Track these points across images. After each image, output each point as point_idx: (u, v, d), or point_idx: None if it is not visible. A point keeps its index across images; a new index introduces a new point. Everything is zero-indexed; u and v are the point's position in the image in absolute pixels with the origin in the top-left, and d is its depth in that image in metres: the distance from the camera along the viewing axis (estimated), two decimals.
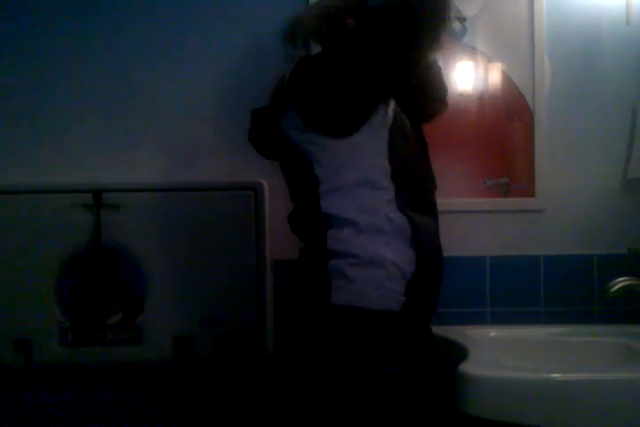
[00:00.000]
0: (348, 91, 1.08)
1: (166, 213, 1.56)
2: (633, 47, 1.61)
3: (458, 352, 1.33)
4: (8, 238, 1.55)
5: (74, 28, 1.61)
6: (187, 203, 1.56)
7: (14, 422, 1.62)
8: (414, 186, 1.18)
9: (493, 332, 1.52)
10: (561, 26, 1.61)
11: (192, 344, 1.56)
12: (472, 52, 1.61)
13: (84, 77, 1.61)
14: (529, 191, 1.62)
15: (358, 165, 1.14)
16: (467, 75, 1.61)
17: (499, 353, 1.36)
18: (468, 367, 1.19)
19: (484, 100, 1.61)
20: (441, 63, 1.26)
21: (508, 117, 1.62)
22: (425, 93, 1.21)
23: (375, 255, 1.12)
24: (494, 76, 1.62)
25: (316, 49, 1.32)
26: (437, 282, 1.20)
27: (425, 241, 1.16)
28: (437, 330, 1.23)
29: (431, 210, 1.22)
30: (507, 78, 1.61)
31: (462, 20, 1.60)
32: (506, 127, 1.62)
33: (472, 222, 1.62)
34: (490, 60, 1.61)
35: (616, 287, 1.43)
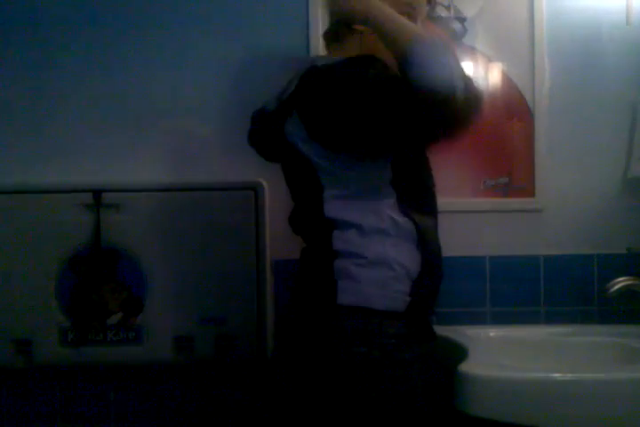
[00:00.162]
0: (356, 112, 1.05)
1: (166, 213, 1.56)
2: (633, 47, 1.61)
3: (458, 352, 1.33)
4: (8, 238, 1.55)
5: (73, 28, 1.61)
6: (187, 203, 1.56)
7: (14, 422, 1.62)
8: (416, 188, 1.19)
9: (493, 332, 1.52)
10: (561, 26, 1.61)
11: (192, 344, 1.56)
12: (472, 52, 1.61)
13: (85, 78, 1.61)
14: (529, 191, 1.62)
15: (361, 174, 1.14)
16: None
17: (499, 353, 1.36)
18: (468, 367, 1.19)
19: (483, 100, 1.60)
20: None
21: (507, 117, 1.62)
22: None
23: (382, 256, 1.12)
24: (494, 76, 1.62)
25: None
26: (439, 282, 1.21)
27: (430, 242, 1.17)
28: (437, 330, 1.23)
29: (432, 211, 1.22)
30: (507, 78, 1.61)
31: (462, 20, 1.60)
32: (506, 127, 1.62)
33: (472, 222, 1.62)
34: (490, 60, 1.61)
35: (616, 287, 1.44)
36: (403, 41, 1.03)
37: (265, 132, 1.28)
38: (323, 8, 1.53)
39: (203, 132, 1.62)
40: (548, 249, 1.61)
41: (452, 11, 1.60)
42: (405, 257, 1.13)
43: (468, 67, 1.60)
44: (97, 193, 1.55)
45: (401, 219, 1.14)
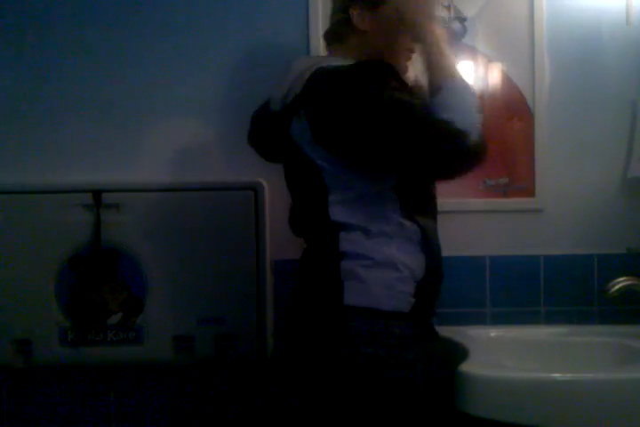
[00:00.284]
0: (364, 127, 1.06)
1: (166, 213, 1.56)
2: (633, 47, 1.61)
3: (458, 352, 1.33)
4: (8, 238, 1.55)
5: (73, 28, 1.61)
6: (187, 203, 1.56)
7: (15, 421, 1.62)
8: (419, 191, 1.19)
9: (493, 332, 1.52)
10: (561, 26, 1.61)
11: (192, 344, 1.56)
12: (472, 52, 1.61)
13: (85, 78, 1.61)
14: (529, 191, 1.62)
15: (365, 179, 1.14)
16: (467, 75, 1.60)
17: (499, 353, 1.36)
18: (468, 367, 1.19)
19: (483, 100, 1.60)
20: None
21: (508, 117, 1.62)
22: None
23: (388, 257, 1.13)
24: (494, 76, 1.62)
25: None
26: (440, 283, 1.22)
27: (432, 244, 1.18)
28: (438, 330, 1.23)
29: (433, 213, 1.23)
30: (507, 78, 1.61)
31: (462, 20, 1.60)
32: (506, 127, 1.62)
33: (472, 222, 1.62)
34: (490, 60, 1.61)
35: (616, 287, 1.44)
36: (448, 69, 1.10)
37: (268, 133, 1.28)
38: (323, 7, 1.53)
39: (203, 133, 1.62)
40: (548, 249, 1.61)
41: (452, 11, 1.60)
42: (410, 259, 1.14)
43: (468, 67, 1.61)
44: (97, 193, 1.55)
45: (406, 222, 1.15)
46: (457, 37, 1.60)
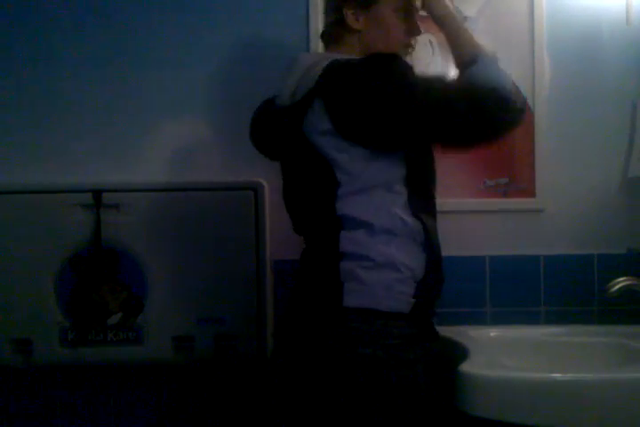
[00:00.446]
0: (388, 106, 1.07)
1: (166, 213, 1.56)
2: (633, 47, 1.61)
3: (458, 352, 1.33)
4: (8, 238, 1.55)
5: (74, 28, 1.61)
6: (187, 203, 1.56)
7: (14, 421, 1.62)
8: (424, 189, 1.20)
9: (493, 332, 1.52)
10: (561, 26, 1.61)
11: (192, 344, 1.56)
12: None
13: (85, 78, 1.61)
14: (529, 191, 1.62)
15: (378, 169, 1.14)
16: None
17: (499, 353, 1.36)
18: (468, 367, 1.19)
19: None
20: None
21: None
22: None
23: (389, 258, 1.12)
24: None
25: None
26: (441, 283, 1.22)
27: (433, 243, 1.18)
28: (438, 330, 1.23)
29: (434, 212, 1.23)
30: None
31: (463, 19, 1.59)
32: None
33: (472, 222, 1.62)
34: None
35: (616, 287, 1.43)
36: (475, 45, 1.15)
37: (273, 130, 1.27)
38: (323, 4, 1.53)
39: (202, 132, 1.62)
40: (548, 249, 1.61)
41: None
42: (411, 258, 1.14)
43: None
44: (97, 193, 1.55)
45: (410, 219, 1.14)
46: None
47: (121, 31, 1.61)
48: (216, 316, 1.55)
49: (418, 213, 1.15)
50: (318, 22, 1.56)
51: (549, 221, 1.62)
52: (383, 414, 1.09)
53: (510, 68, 1.56)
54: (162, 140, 1.62)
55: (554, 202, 1.62)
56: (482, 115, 1.05)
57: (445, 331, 1.39)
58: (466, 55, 1.14)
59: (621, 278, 1.44)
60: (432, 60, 1.60)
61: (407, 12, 1.22)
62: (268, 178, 1.55)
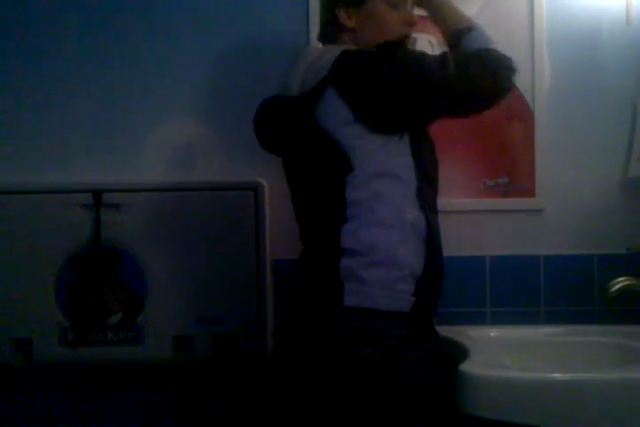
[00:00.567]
0: (408, 90, 1.11)
1: (166, 213, 1.56)
2: (633, 47, 1.61)
3: (458, 352, 1.33)
4: (8, 238, 1.55)
5: (75, 27, 1.61)
6: (187, 203, 1.56)
7: (14, 421, 1.62)
8: (429, 186, 1.20)
9: (493, 332, 1.52)
10: (561, 26, 1.61)
11: (192, 344, 1.56)
12: None
13: (85, 78, 1.61)
14: (529, 191, 1.62)
15: (389, 158, 1.15)
16: None
17: (499, 353, 1.36)
18: (469, 367, 1.19)
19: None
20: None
21: (507, 117, 1.62)
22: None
23: (389, 255, 1.12)
24: None
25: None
26: (442, 281, 1.22)
27: (435, 240, 1.18)
28: (438, 330, 1.23)
29: (436, 208, 1.24)
30: None
31: None
32: (506, 127, 1.62)
33: (472, 222, 1.62)
34: None
35: (616, 287, 1.43)
36: (465, 19, 1.26)
37: (280, 120, 1.26)
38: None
39: (203, 132, 1.62)
40: (549, 249, 1.61)
41: None
42: (411, 255, 1.14)
43: None
44: (97, 193, 1.55)
45: (416, 213, 1.15)
46: None
47: (121, 31, 1.61)
48: (216, 316, 1.55)
49: (425, 208, 1.16)
50: (318, 22, 1.55)
51: (549, 221, 1.62)
52: (383, 414, 1.09)
53: None
54: (162, 141, 1.62)
55: (554, 202, 1.62)
56: (494, 74, 1.12)
57: (445, 331, 1.39)
58: (461, 24, 1.24)
59: (621, 278, 1.44)
60: None
61: (400, 3, 1.24)
62: (268, 178, 1.55)
